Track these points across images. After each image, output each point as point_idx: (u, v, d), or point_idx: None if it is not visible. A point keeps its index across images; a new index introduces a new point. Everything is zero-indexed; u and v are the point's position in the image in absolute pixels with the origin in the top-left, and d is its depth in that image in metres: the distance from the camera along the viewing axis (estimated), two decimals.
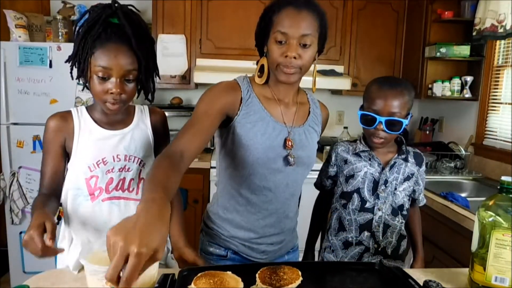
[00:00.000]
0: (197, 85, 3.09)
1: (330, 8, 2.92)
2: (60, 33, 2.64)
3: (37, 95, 2.53)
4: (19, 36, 2.55)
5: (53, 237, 0.91)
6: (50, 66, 2.51)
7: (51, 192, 1.12)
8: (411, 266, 1.44)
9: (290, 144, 1.17)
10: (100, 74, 1.04)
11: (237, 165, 1.16)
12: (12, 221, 2.60)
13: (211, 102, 1.10)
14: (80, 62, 1.07)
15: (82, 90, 1.18)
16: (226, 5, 2.88)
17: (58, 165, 1.14)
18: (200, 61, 2.92)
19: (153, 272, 0.93)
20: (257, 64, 1.22)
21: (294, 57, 1.06)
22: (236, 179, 1.18)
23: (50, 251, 0.90)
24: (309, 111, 1.26)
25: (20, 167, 2.58)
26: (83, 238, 1.16)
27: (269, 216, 1.22)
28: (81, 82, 1.13)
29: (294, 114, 1.21)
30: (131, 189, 1.19)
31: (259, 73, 1.17)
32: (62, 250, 0.99)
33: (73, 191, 1.14)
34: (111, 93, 1.06)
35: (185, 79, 2.95)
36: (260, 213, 1.21)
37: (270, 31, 1.09)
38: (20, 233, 2.62)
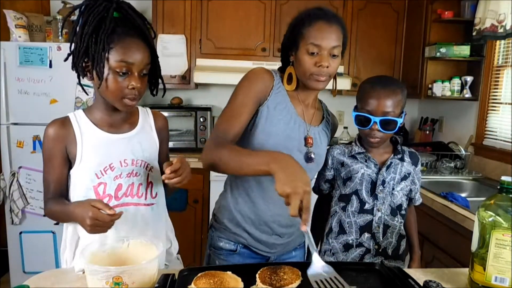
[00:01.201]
0: (197, 85, 3.09)
1: (330, 8, 2.91)
2: (60, 33, 2.64)
3: (37, 95, 2.53)
4: (19, 36, 2.55)
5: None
6: (50, 66, 2.51)
7: (61, 196, 1.11)
8: (409, 266, 1.44)
9: (311, 141, 1.25)
10: (119, 70, 1.02)
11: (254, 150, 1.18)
12: (12, 221, 2.60)
13: (249, 91, 1.19)
14: (94, 58, 1.02)
15: (92, 79, 1.09)
16: (226, 5, 2.88)
17: (61, 172, 1.11)
18: (200, 61, 2.92)
19: (153, 272, 0.93)
20: (280, 71, 1.28)
21: (327, 66, 1.15)
22: None
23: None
24: (323, 116, 1.36)
25: (20, 167, 2.58)
26: (92, 240, 1.08)
27: (280, 207, 1.22)
28: (88, 82, 1.09)
29: (312, 115, 1.30)
30: (140, 194, 1.15)
31: (288, 81, 1.24)
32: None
33: (80, 199, 1.08)
34: (132, 88, 1.04)
35: (185, 79, 2.95)
36: (272, 202, 1.24)
37: (300, 43, 1.17)
38: (20, 233, 2.62)
